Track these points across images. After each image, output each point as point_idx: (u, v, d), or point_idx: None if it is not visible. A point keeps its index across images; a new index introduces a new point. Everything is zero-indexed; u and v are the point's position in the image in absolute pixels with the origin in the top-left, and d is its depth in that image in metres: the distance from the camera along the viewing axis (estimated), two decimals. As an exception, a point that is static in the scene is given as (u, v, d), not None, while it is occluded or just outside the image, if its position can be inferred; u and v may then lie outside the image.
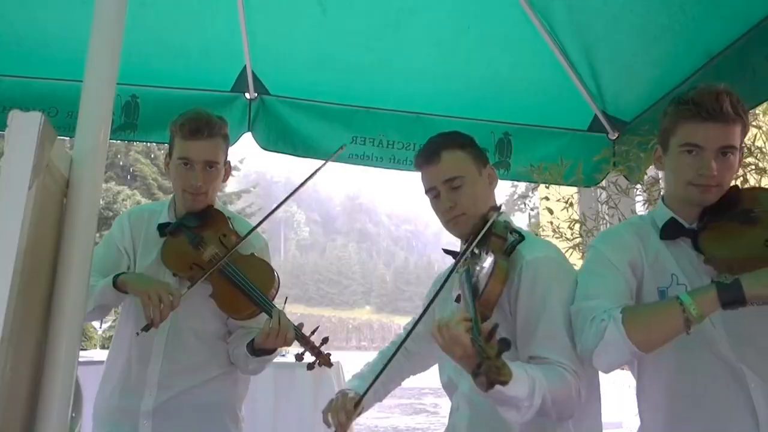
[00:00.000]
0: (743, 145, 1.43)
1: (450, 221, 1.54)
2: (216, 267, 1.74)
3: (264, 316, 1.72)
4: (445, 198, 1.53)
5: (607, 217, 3.16)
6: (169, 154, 1.85)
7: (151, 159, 18.48)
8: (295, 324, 1.73)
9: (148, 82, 2.68)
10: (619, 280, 1.39)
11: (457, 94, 2.74)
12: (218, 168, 1.83)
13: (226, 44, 2.55)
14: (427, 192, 1.58)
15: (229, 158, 1.93)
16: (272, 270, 1.82)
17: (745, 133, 1.39)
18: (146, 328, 1.65)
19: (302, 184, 1.93)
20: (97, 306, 1.73)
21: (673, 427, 1.41)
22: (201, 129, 1.76)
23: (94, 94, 1.00)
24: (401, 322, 41.54)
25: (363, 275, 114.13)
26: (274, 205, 2.03)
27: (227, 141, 1.88)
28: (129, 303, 1.86)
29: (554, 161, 2.73)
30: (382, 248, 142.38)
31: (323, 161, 2.16)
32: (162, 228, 1.86)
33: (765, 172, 2.59)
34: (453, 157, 1.54)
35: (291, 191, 1.94)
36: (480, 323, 1.13)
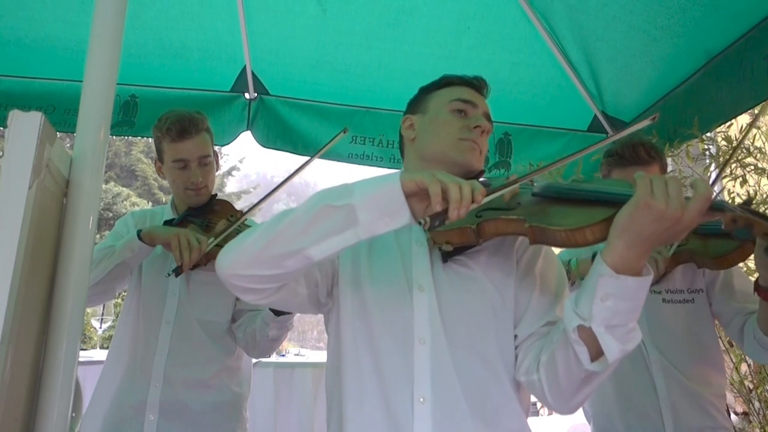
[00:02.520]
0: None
1: None
2: (230, 231, 1.73)
3: None
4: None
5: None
6: (160, 159, 1.89)
7: (151, 159, 18.46)
8: None
9: (147, 82, 2.68)
10: None
11: (457, 94, 2.74)
12: (211, 160, 1.89)
13: (226, 44, 2.55)
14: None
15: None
16: None
17: (663, 169, 1.80)
18: (176, 272, 1.67)
19: (311, 159, 1.96)
20: (119, 263, 1.72)
21: (615, 385, 1.79)
22: (188, 129, 1.82)
23: (94, 94, 1.00)
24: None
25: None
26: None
27: (211, 133, 1.92)
28: (131, 300, 1.87)
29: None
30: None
31: (328, 142, 2.15)
32: (167, 224, 1.87)
33: (764, 172, 2.59)
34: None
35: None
36: None
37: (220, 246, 1.69)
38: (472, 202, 0.90)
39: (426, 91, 1.36)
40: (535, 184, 1.16)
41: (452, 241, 1.12)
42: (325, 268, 1.20)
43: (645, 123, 1.19)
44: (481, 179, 1.26)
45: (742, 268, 1.87)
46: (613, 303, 0.90)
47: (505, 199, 1.11)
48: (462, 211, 0.88)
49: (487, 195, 0.97)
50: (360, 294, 1.17)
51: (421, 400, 1.05)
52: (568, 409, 1.07)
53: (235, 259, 1.04)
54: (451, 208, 0.89)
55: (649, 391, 1.72)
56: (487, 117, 1.30)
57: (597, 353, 0.95)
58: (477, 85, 1.33)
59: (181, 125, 1.81)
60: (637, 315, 0.94)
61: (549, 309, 1.15)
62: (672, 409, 1.69)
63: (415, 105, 1.37)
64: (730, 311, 1.71)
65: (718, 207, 0.96)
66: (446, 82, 1.34)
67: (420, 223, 0.90)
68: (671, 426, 1.68)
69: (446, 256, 1.17)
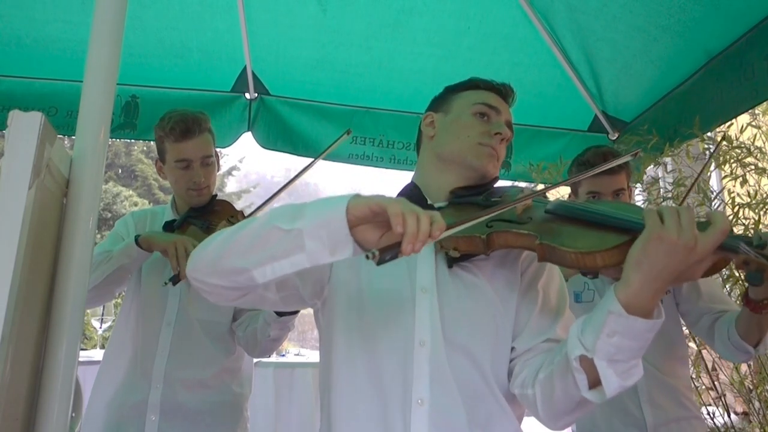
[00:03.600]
0: (630, 184, 1.93)
1: None
2: None
3: None
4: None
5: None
6: (161, 159, 1.88)
7: (152, 159, 18.47)
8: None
9: (148, 82, 2.68)
10: None
11: (457, 94, 2.74)
12: (213, 160, 1.89)
13: (226, 44, 2.55)
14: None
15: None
16: None
17: (629, 177, 1.91)
18: (174, 281, 1.67)
19: (314, 162, 1.99)
20: (117, 268, 1.72)
21: None
22: (192, 129, 1.81)
23: (94, 94, 1.00)
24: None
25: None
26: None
27: (213, 133, 1.92)
28: (130, 302, 1.86)
29: (554, 162, 2.73)
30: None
31: (331, 144, 2.15)
32: (168, 225, 1.87)
33: (765, 172, 2.59)
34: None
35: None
36: None
37: None
38: (429, 236, 0.81)
39: (451, 90, 1.34)
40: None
41: (460, 247, 1.10)
42: (308, 271, 1.12)
43: (627, 158, 1.24)
44: (495, 186, 1.25)
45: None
46: (619, 340, 0.89)
47: (518, 212, 1.10)
48: (417, 245, 0.80)
49: (477, 219, 0.93)
50: (357, 293, 1.15)
51: (419, 401, 1.04)
52: (557, 427, 1.07)
53: (196, 265, 1.02)
54: (405, 242, 0.79)
55: (630, 388, 1.77)
56: (509, 125, 1.30)
57: (595, 382, 0.94)
58: (503, 92, 1.34)
59: (185, 125, 1.81)
60: (641, 353, 0.92)
61: (549, 326, 1.14)
62: (651, 404, 1.80)
63: (439, 103, 1.35)
64: (698, 311, 1.82)
65: (732, 248, 0.91)
66: (473, 84, 1.32)
67: (368, 257, 0.79)
68: (651, 420, 1.79)
69: (451, 261, 1.15)
